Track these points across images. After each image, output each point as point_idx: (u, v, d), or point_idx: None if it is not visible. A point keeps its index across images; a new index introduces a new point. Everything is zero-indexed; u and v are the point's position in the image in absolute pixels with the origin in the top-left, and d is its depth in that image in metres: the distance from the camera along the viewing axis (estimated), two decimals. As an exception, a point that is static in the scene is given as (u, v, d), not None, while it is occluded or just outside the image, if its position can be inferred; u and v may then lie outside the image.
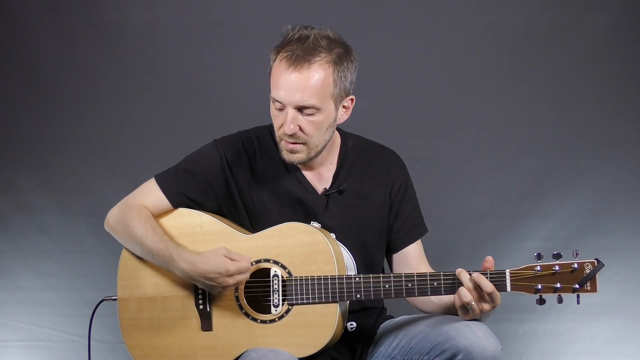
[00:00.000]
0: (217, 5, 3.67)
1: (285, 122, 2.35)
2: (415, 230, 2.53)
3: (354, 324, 2.45)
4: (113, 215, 2.46)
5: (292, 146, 2.38)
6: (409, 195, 2.53)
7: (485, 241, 3.65)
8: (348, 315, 2.40)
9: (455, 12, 3.64)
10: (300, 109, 2.34)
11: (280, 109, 2.36)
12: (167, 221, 2.44)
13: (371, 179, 2.49)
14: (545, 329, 3.63)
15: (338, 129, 2.50)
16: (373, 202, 2.48)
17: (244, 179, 2.46)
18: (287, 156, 2.40)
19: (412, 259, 2.52)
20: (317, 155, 2.42)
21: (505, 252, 3.62)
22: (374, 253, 2.49)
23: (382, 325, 2.50)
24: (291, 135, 2.35)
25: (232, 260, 2.32)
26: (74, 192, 3.68)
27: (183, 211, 2.45)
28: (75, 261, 3.68)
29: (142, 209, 2.42)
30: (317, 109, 2.34)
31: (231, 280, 2.31)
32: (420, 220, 2.55)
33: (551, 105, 3.64)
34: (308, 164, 2.44)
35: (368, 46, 3.53)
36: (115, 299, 2.46)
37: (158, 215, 2.45)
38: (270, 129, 2.50)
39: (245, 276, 2.33)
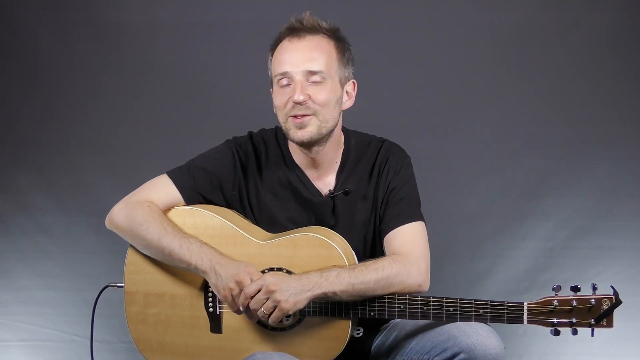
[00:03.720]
0: (217, 5, 3.67)
1: (294, 92, 2.31)
2: (400, 217, 2.40)
3: (361, 330, 2.43)
4: (119, 212, 2.40)
5: (300, 120, 2.33)
6: (400, 181, 2.43)
7: (485, 241, 3.64)
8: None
9: (455, 12, 3.64)
10: (308, 76, 2.32)
11: (287, 84, 2.34)
12: (179, 220, 2.39)
13: (372, 178, 2.47)
14: (545, 329, 3.61)
15: (342, 129, 2.49)
16: (374, 200, 2.45)
17: (253, 181, 2.45)
18: (295, 134, 2.35)
19: (393, 245, 2.40)
20: (327, 134, 2.37)
21: (505, 252, 3.62)
22: (378, 252, 2.45)
23: (382, 327, 2.49)
24: (301, 106, 2.31)
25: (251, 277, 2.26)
26: (74, 192, 3.67)
27: (196, 212, 2.41)
28: (75, 261, 3.67)
29: (151, 205, 2.38)
30: (324, 77, 2.33)
31: (236, 289, 2.25)
32: (410, 208, 2.42)
33: (551, 105, 3.64)
34: (317, 147, 2.39)
35: (368, 46, 3.53)
36: (121, 286, 2.43)
37: (167, 212, 2.41)
38: (275, 132, 2.50)
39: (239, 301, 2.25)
